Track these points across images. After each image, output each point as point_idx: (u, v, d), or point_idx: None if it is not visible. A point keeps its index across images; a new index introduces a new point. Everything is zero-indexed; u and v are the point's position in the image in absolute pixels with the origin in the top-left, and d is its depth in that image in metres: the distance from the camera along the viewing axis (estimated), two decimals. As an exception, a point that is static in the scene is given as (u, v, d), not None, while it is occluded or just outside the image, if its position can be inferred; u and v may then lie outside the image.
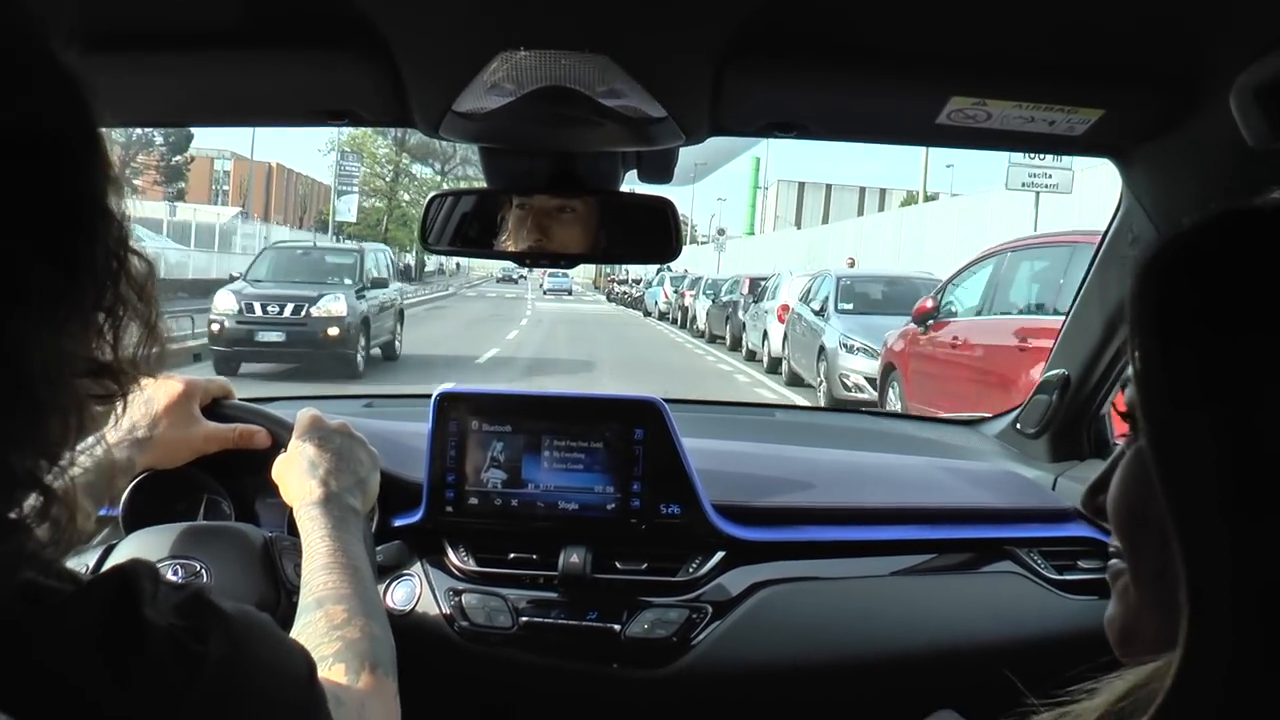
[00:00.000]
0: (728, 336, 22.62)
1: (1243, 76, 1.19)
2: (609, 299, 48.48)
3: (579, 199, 1.63)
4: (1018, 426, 2.19)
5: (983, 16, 1.21)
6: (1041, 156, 16.93)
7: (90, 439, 0.69)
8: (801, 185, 57.80)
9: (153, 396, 1.38)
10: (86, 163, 0.63)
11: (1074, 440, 2.07)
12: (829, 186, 48.22)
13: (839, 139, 1.62)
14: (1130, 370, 0.65)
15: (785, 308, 16.29)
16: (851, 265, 19.50)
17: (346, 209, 51.11)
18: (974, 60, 1.28)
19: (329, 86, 1.39)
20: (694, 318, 27.85)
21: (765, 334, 17.67)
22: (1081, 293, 1.91)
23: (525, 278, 63.90)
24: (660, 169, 1.68)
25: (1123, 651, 0.73)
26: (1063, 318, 2.05)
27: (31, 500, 0.62)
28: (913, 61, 1.29)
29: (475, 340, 22.04)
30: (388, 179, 55.82)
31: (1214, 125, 1.31)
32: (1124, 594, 0.74)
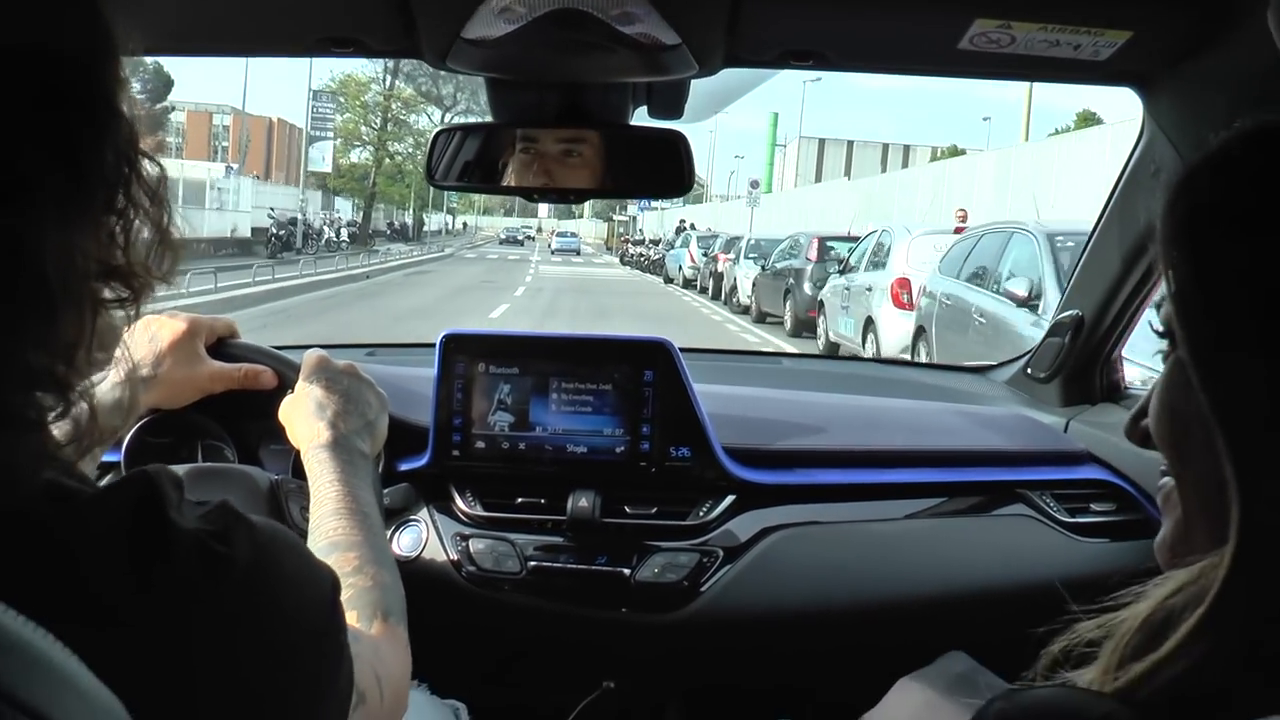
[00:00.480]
0: (787, 316, 16.92)
1: None
2: (623, 261, 42.18)
3: (588, 132, 1.60)
4: (1029, 371, 2.17)
5: None
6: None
7: (109, 348, 0.69)
8: (822, 142, 56.05)
9: (157, 334, 1.35)
10: (99, 62, 0.63)
11: (1086, 384, 2.05)
12: (850, 143, 46.26)
13: (857, 68, 1.57)
14: (1164, 289, 0.66)
15: (905, 283, 11.67)
16: (964, 220, 13.49)
17: (321, 157, 48.11)
18: None
19: (336, 9, 1.34)
20: (733, 288, 22.04)
21: (871, 320, 12.39)
22: (1098, 229, 1.88)
23: (533, 239, 61.58)
24: (671, 104, 1.64)
25: (1173, 569, 0.71)
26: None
27: (50, 400, 0.61)
28: None
29: (450, 317, 17.22)
30: (377, 127, 49.96)
31: (1246, 46, 1.28)
32: (1174, 511, 0.73)
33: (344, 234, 42.40)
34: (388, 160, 49.18)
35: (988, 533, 1.80)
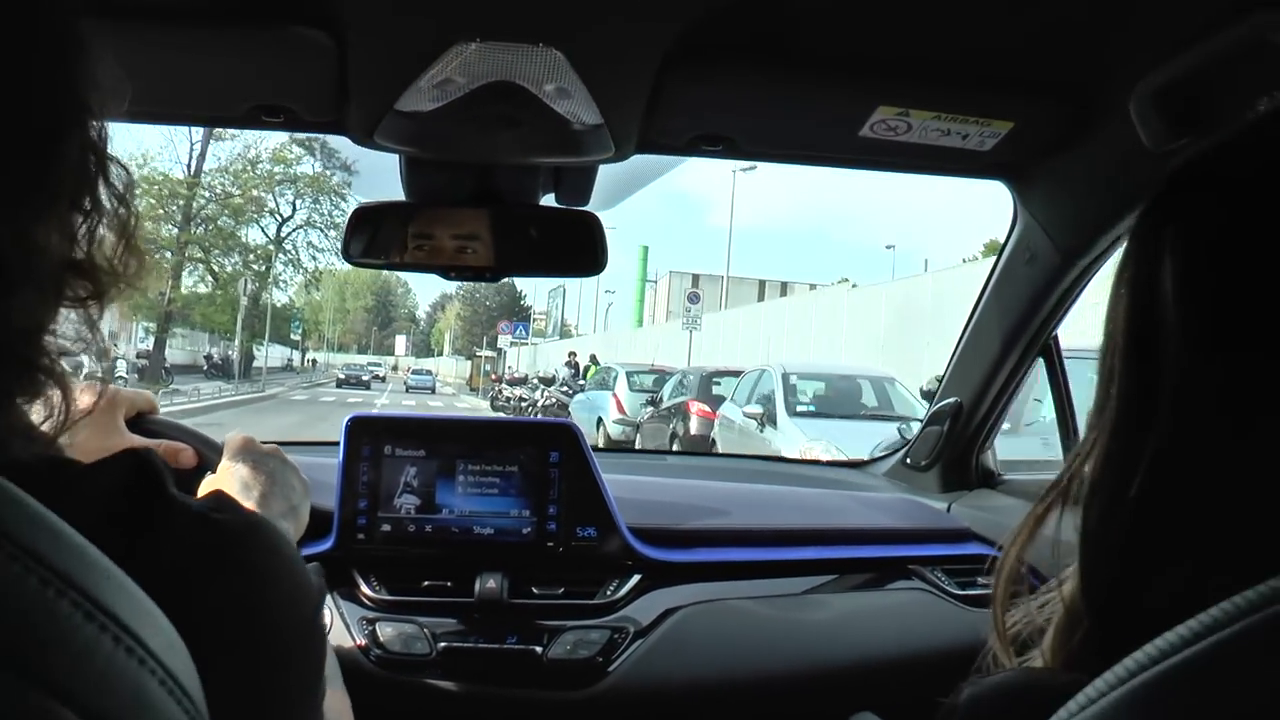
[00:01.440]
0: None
1: (1142, 83, 1.30)
2: (494, 407, 28.98)
3: (501, 213, 1.65)
4: (907, 461, 2.27)
5: (909, 25, 1.29)
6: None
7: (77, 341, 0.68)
8: (696, 277, 54.28)
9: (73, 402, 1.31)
10: (70, 60, 0.63)
11: (963, 471, 2.16)
12: (725, 278, 44.19)
13: (764, 155, 1.68)
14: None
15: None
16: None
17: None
18: (900, 67, 1.37)
19: (271, 74, 1.37)
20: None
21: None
22: (974, 318, 2.01)
23: (382, 379, 55.88)
24: (579, 190, 1.71)
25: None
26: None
27: (12, 377, 0.60)
28: (845, 67, 1.36)
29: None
30: (177, 223, 37.23)
31: (1112, 136, 1.43)
32: None
33: (122, 367, 30.75)
34: (209, 277, 40.39)
35: (885, 605, 1.86)
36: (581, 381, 22.28)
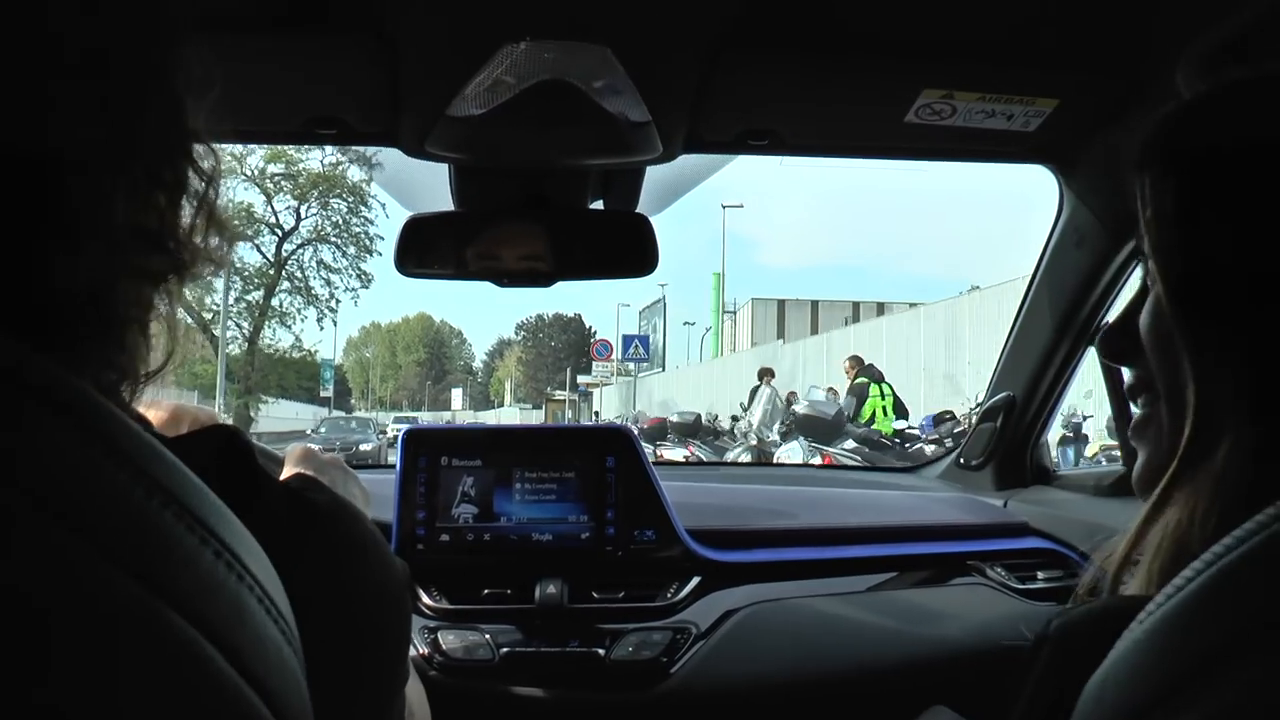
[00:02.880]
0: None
1: (1187, 52, 1.30)
2: None
3: (553, 218, 1.67)
4: (960, 461, 2.26)
5: (953, 5, 1.30)
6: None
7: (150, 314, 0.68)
8: (782, 303, 47.92)
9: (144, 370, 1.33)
10: (153, 38, 0.64)
11: (1018, 468, 2.14)
12: (815, 303, 40.63)
13: (809, 150, 1.69)
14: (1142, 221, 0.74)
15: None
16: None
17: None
18: (944, 48, 1.37)
19: (325, 84, 1.40)
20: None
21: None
22: (1024, 310, 2.00)
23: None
24: (627, 193, 1.72)
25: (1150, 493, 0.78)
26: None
27: (77, 328, 0.59)
28: (889, 52, 1.37)
29: None
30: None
31: (1159, 109, 1.42)
32: (1154, 436, 0.79)
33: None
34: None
35: (949, 601, 1.84)
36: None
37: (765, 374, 15.75)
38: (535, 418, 53.86)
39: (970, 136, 1.57)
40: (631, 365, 37.95)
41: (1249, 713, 0.45)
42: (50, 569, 0.40)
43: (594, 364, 39.10)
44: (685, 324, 55.17)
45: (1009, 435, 2.10)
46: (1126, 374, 0.83)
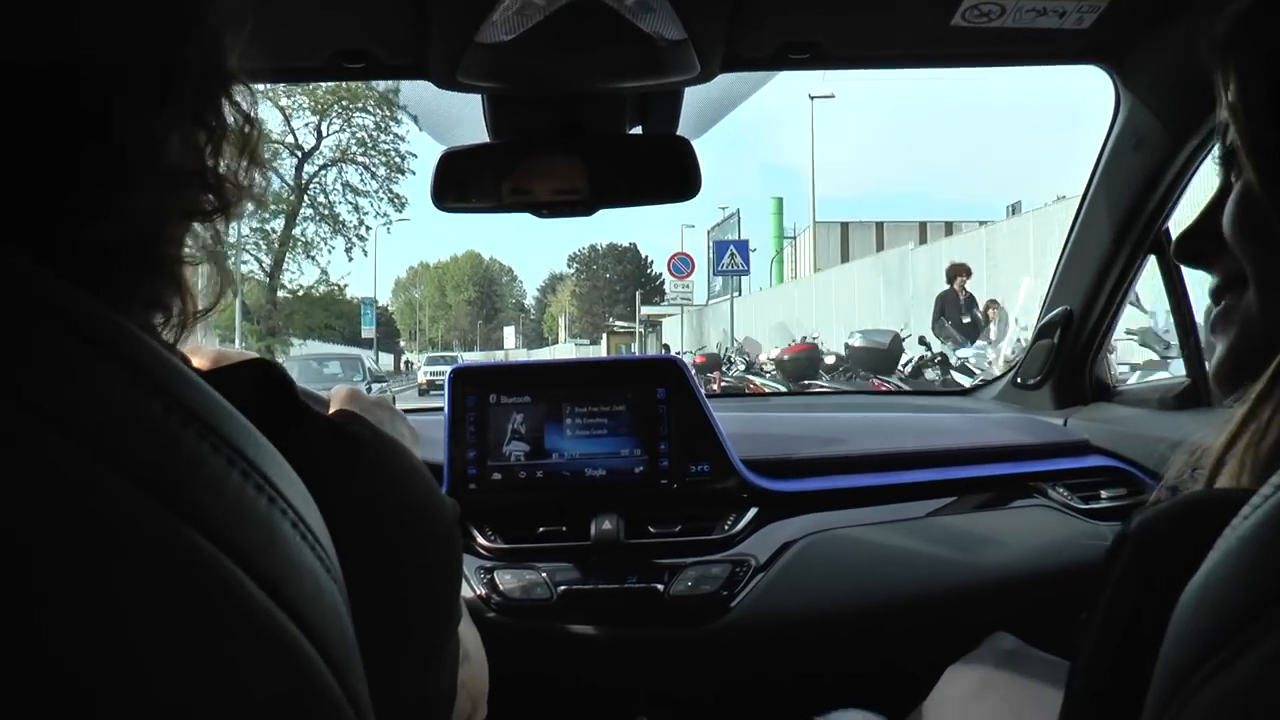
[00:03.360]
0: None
1: None
2: None
3: (591, 145, 1.63)
4: (1018, 380, 2.21)
5: None
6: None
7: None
8: (845, 225, 43.63)
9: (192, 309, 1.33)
10: None
11: (1077, 385, 2.09)
12: (880, 224, 36.40)
13: (854, 60, 1.62)
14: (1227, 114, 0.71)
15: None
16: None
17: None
18: None
19: (353, 14, 1.37)
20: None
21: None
22: (1079, 219, 1.94)
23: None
24: (666, 117, 1.68)
25: (1233, 383, 0.75)
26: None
27: (125, 274, 0.60)
28: None
29: None
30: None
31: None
32: (1229, 330, 0.77)
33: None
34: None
35: (1010, 523, 1.81)
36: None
37: (959, 272, 12.17)
38: (593, 354, 43.70)
39: (1020, 38, 1.50)
40: (715, 285, 32.93)
41: None
42: (52, 484, 0.37)
43: (671, 284, 31.05)
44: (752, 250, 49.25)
45: (1067, 351, 2.05)
46: (1208, 276, 0.80)
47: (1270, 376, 0.66)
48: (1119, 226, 1.81)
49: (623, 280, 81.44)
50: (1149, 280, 1.94)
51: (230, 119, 0.66)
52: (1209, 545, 0.53)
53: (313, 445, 0.63)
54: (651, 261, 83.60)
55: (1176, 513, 0.65)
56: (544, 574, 1.67)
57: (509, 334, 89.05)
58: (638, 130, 1.71)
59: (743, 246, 27.91)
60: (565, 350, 64.17)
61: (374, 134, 31.79)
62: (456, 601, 0.79)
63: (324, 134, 30.97)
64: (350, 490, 0.66)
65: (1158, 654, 0.52)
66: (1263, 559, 0.45)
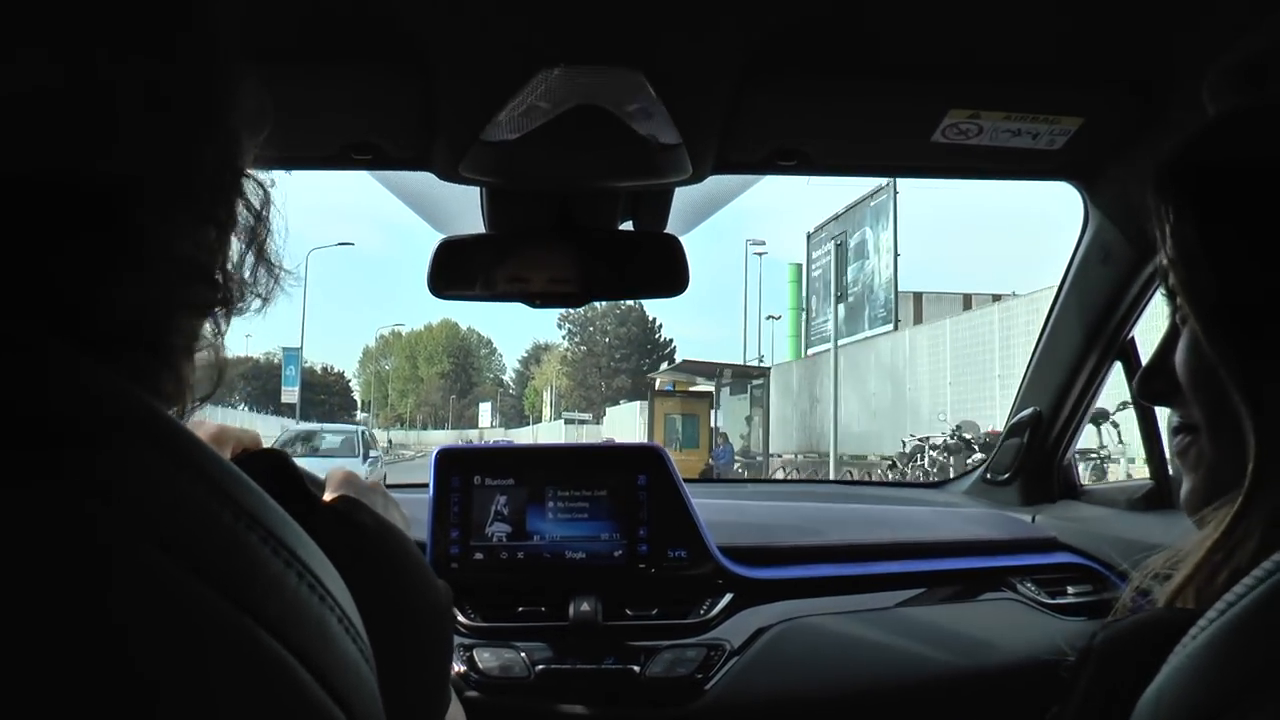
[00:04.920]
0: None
1: (1213, 68, 1.32)
2: None
3: (583, 239, 1.69)
4: (988, 476, 2.27)
5: (977, 26, 1.32)
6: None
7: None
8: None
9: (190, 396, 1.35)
10: (206, 72, 0.65)
11: (1045, 482, 2.15)
12: (918, 295, 30.52)
13: (838, 170, 1.71)
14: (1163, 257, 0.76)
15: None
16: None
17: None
18: (970, 69, 1.40)
19: (362, 111, 1.43)
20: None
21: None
22: (1050, 325, 2.01)
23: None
24: (656, 214, 1.75)
25: (1201, 514, 0.78)
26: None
27: (138, 355, 0.61)
28: (916, 73, 1.40)
29: None
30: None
31: (1185, 125, 1.44)
32: (1198, 461, 0.79)
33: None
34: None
35: (978, 616, 1.85)
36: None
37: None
38: (600, 434, 41.81)
39: (997, 155, 1.59)
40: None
41: None
42: (148, 593, 0.42)
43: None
44: (769, 318, 44.24)
45: (1036, 450, 2.11)
46: (1170, 415, 0.83)
47: (1235, 514, 0.69)
48: (1086, 334, 1.89)
49: (625, 345, 72.18)
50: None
51: (241, 216, 0.68)
52: (1164, 660, 0.58)
53: (322, 535, 0.67)
54: (659, 325, 74.00)
55: (1138, 629, 0.70)
56: (522, 653, 1.70)
57: (485, 411, 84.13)
58: (628, 225, 1.78)
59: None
60: (553, 431, 56.26)
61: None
62: (448, 685, 0.83)
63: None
64: (357, 579, 0.69)
65: None
66: (1206, 678, 0.50)
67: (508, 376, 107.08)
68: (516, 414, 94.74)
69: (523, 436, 62.01)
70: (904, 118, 1.51)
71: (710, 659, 1.71)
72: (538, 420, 75.95)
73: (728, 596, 1.79)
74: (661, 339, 72.75)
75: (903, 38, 1.34)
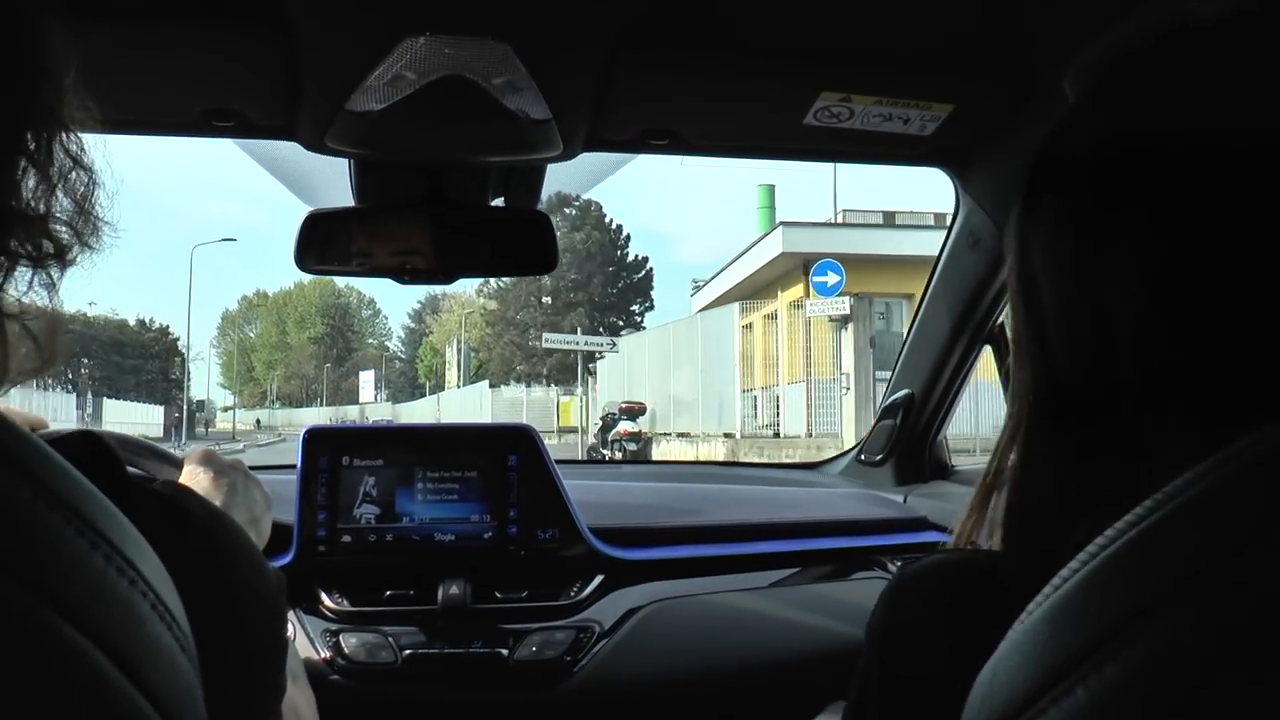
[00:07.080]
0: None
1: (1075, 62, 1.34)
2: None
3: (453, 214, 1.66)
4: (861, 457, 2.29)
5: (849, 11, 1.32)
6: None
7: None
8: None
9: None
10: (30, 18, 0.61)
11: (917, 463, 2.18)
12: None
13: (709, 150, 1.70)
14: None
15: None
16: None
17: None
18: (842, 53, 1.39)
19: (223, 74, 1.37)
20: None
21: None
22: (922, 309, 2.04)
23: None
24: (528, 192, 1.72)
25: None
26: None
27: None
28: (786, 56, 1.39)
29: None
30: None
31: (1050, 116, 1.46)
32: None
33: None
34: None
35: (849, 595, 1.87)
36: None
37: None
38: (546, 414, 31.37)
39: (869, 139, 1.59)
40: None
41: (1133, 690, 0.46)
42: None
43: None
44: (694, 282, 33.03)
45: (908, 432, 2.14)
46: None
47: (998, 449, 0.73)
48: (957, 319, 1.92)
49: (587, 261, 47.63)
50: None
51: (60, 164, 0.64)
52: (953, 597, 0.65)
53: (143, 517, 0.64)
54: (628, 238, 50.12)
55: (933, 568, 0.75)
56: (390, 637, 1.67)
57: (366, 381, 71.34)
58: (499, 202, 1.75)
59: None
60: (471, 402, 39.20)
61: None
62: (280, 678, 0.79)
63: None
64: (178, 564, 0.66)
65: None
66: (1041, 648, 0.50)
67: (393, 343, 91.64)
68: (408, 383, 79.71)
69: (422, 413, 48.22)
70: (776, 99, 1.50)
71: (580, 641, 1.70)
72: (440, 387, 61.00)
73: (599, 578, 1.78)
74: (635, 258, 50.66)
75: (774, 19, 1.33)
